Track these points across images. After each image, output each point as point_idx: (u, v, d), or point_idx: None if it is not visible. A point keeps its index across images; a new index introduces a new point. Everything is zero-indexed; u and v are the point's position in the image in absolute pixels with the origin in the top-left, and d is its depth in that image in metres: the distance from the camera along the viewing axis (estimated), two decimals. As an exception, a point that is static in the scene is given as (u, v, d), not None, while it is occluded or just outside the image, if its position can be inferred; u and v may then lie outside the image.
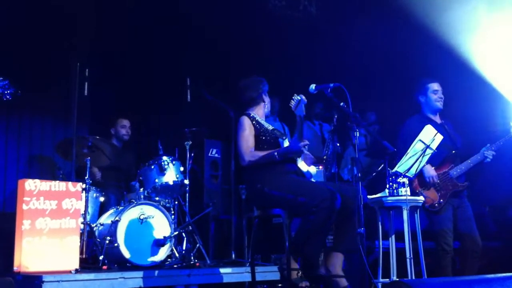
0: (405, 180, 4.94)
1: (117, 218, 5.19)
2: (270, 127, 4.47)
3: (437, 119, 5.53)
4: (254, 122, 4.41)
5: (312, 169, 4.35)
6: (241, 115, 4.52)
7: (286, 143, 4.37)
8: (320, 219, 3.91)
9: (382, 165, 6.15)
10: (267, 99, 4.64)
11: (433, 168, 5.31)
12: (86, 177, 5.39)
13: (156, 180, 5.69)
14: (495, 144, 5.31)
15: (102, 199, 5.86)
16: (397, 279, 4.72)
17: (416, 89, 5.57)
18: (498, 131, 5.51)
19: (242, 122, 4.41)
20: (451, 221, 5.28)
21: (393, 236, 5.08)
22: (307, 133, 7.25)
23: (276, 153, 4.19)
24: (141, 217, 5.34)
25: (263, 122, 4.50)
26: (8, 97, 4.40)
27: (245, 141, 4.32)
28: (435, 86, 5.47)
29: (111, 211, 5.55)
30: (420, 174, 5.18)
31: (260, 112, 4.60)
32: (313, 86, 4.42)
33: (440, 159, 5.32)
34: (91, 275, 4.46)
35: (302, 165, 4.34)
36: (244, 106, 4.61)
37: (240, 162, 4.36)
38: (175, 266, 5.26)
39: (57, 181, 4.74)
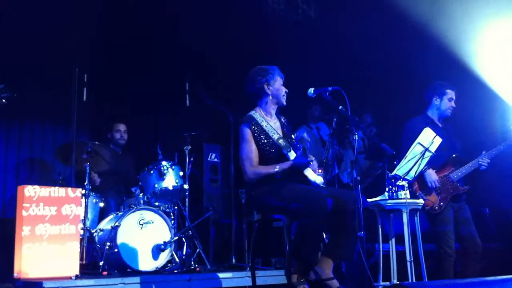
0: (405, 183, 4.94)
1: (117, 224, 5.19)
2: (276, 136, 4.17)
3: (439, 122, 5.53)
4: (255, 129, 4.17)
5: (319, 179, 4.21)
6: (242, 120, 4.25)
7: (292, 155, 4.14)
8: (312, 223, 3.86)
9: (381, 169, 6.16)
10: (272, 88, 4.27)
11: (434, 171, 5.31)
12: (85, 183, 5.39)
13: (156, 185, 5.69)
14: (489, 152, 5.33)
15: (101, 204, 5.86)
16: (398, 282, 4.71)
17: (433, 89, 5.53)
18: (497, 133, 5.51)
19: (241, 133, 4.18)
20: (452, 223, 5.28)
21: (393, 239, 5.08)
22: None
23: (277, 168, 4.04)
24: (141, 222, 5.34)
25: (267, 126, 4.20)
26: (4, 101, 4.36)
27: (247, 157, 4.12)
28: (452, 94, 5.47)
29: (110, 216, 5.55)
30: (420, 176, 5.18)
31: (263, 110, 4.32)
32: (311, 90, 4.42)
33: (441, 162, 5.32)
34: (91, 281, 4.45)
35: (310, 173, 4.17)
36: (252, 105, 4.35)
37: (244, 177, 4.17)
38: (175, 271, 5.24)
39: (57, 187, 4.74)
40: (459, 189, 5.33)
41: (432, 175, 5.27)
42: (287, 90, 4.35)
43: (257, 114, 4.27)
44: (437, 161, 5.18)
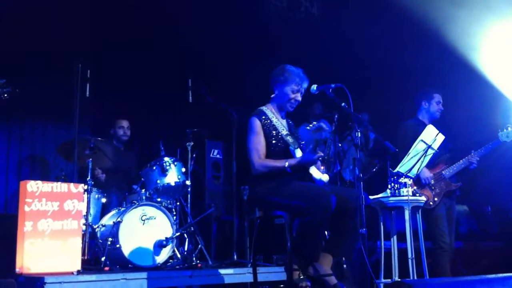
0: (407, 180, 4.96)
1: (119, 219, 5.19)
2: (284, 131, 4.21)
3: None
4: (265, 122, 4.20)
5: (325, 177, 4.18)
6: (253, 112, 4.28)
7: (298, 153, 4.15)
8: (315, 220, 3.86)
9: (378, 165, 6.19)
10: (280, 90, 4.27)
11: (428, 169, 5.41)
12: (88, 178, 5.39)
13: (158, 181, 5.70)
14: (478, 151, 5.51)
15: (104, 200, 5.87)
16: (399, 279, 4.72)
17: (421, 94, 5.75)
18: (499, 130, 5.54)
19: (251, 124, 4.20)
20: (446, 219, 5.44)
21: (395, 237, 5.09)
22: (306, 135, 7.23)
23: (287, 163, 4.03)
24: (143, 218, 5.35)
25: (277, 122, 4.24)
26: (5, 95, 4.34)
27: (255, 149, 4.13)
28: (439, 97, 5.69)
29: (113, 212, 5.56)
30: None
31: (273, 106, 4.34)
32: (314, 87, 4.41)
33: (434, 160, 5.39)
34: (93, 277, 4.46)
35: (314, 171, 4.18)
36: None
37: (251, 169, 4.18)
38: (177, 267, 5.26)
39: (59, 183, 4.73)
40: (451, 185, 5.51)
41: (425, 173, 5.40)
42: (299, 99, 4.32)
43: (268, 110, 4.31)
44: (430, 159, 5.23)
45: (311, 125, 4.27)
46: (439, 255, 5.34)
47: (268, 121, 4.23)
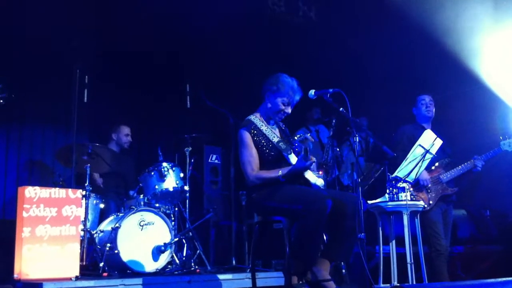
0: (405, 185, 4.95)
1: (117, 225, 5.19)
2: (276, 139, 4.17)
3: (428, 127, 5.64)
4: (254, 132, 4.19)
5: (320, 182, 4.18)
6: (241, 124, 4.27)
7: (293, 158, 4.13)
8: (311, 223, 3.85)
9: (381, 170, 6.21)
10: (271, 100, 4.25)
11: (426, 172, 5.41)
12: (86, 184, 5.39)
13: (156, 187, 5.69)
14: (481, 157, 5.50)
15: (102, 205, 5.86)
16: (398, 284, 4.71)
17: (412, 103, 5.82)
18: (497, 135, 5.54)
19: (241, 137, 4.20)
20: (441, 223, 5.44)
21: (394, 241, 5.09)
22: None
23: (280, 172, 4.03)
24: (141, 224, 5.34)
25: (266, 130, 4.22)
26: (1, 101, 4.32)
27: (248, 161, 4.14)
28: (423, 97, 5.74)
29: (111, 217, 5.55)
30: None
31: (262, 114, 4.33)
32: (312, 92, 4.41)
33: (431, 164, 5.39)
34: (92, 282, 4.45)
35: (310, 175, 4.18)
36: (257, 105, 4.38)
37: (246, 181, 4.20)
38: (175, 272, 5.25)
39: (57, 188, 4.73)
40: (448, 190, 5.50)
41: (424, 174, 5.39)
42: (289, 112, 4.30)
43: (257, 119, 4.29)
44: (428, 164, 5.24)
45: (298, 136, 4.27)
46: (435, 258, 5.35)
47: (258, 131, 4.21)
